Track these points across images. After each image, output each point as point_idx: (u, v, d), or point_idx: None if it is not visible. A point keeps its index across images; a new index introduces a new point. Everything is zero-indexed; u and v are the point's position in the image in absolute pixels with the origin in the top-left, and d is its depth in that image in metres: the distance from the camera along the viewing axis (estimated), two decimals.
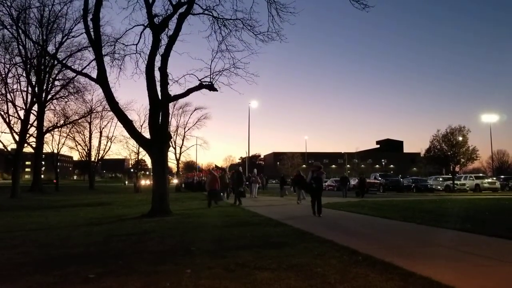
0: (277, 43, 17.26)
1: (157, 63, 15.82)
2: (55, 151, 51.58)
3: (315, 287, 4.93)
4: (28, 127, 36.30)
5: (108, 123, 54.93)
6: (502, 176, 52.03)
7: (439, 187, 40.54)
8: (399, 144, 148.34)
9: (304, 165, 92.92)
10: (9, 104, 35.79)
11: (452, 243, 8.19)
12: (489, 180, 41.71)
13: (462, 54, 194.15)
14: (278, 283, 5.08)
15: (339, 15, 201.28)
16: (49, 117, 43.65)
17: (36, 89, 37.48)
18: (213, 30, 16.98)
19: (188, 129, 60.89)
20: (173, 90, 17.87)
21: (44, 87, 38.45)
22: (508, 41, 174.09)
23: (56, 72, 39.47)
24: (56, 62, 36.46)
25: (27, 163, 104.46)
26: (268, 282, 5.14)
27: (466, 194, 33.41)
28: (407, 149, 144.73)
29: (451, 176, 41.34)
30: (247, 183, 30.13)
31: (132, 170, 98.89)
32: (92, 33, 15.50)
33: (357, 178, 39.72)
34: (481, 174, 50.83)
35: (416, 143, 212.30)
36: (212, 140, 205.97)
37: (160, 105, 15.53)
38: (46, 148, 48.27)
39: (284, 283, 5.11)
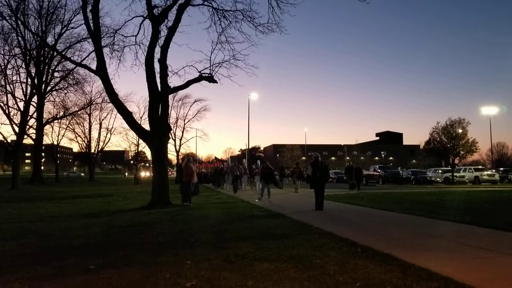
0: (277, 34, 17.18)
1: (157, 54, 15.80)
2: (55, 142, 51.69)
3: (314, 278, 4.94)
4: (28, 118, 36.34)
5: (107, 114, 55.17)
6: (502, 169, 52.10)
7: (438, 179, 40.57)
8: (399, 136, 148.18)
9: (303, 157, 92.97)
10: (9, 95, 35.90)
11: (451, 235, 8.21)
12: (489, 172, 41.84)
13: (462, 47, 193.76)
14: (278, 274, 5.10)
15: (340, 7, 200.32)
16: (49, 108, 43.88)
17: (36, 80, 37.47)
18: (213, 22, 16.92)
19: (188, 121, 61.13)
20: (173, 81, 17.79)
21: (44, 79, 38.45)
22: (508, 34, 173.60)
23: (55, 63, 39.56)
24: (55, 54, 36.46)
25: (27, 154, 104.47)
26: (267, 273, 5.16)
27: (465, 186, 33.46)
28: (406, 141, 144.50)
29: (450, 168, 41.37)
30: (249, 175, 29.76)
31: (132, 161, 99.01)
32: (91, 24, 15.45)
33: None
34: (480, 167, 50.95)
35: (415, 135, 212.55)
36: (212, 132, 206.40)
37: (159, 96, 15.51)
38: (46, 140, 48.51)
39: (283, 274, 5.13)
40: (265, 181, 18.21)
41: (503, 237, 8.00)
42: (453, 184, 37.49)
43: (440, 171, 43.49)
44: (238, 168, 26.45)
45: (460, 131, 40.82)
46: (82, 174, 49.41)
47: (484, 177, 39.44)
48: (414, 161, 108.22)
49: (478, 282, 4.63)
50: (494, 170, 45.41)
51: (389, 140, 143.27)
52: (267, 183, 18.11)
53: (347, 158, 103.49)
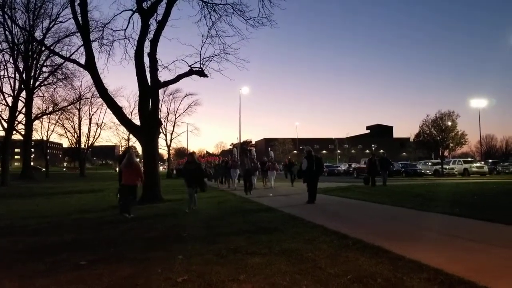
0: (267, 28, 17.21)
1: (146, 48, 15.71)
2: (45, 138, 51.22)
3: (305, 271, 4.97)
4: (17, 114, 36.01)
5: (97, 109, 54.57)
6: (490, 161, 52.62)
7: (428, 171, 40.81)
8: (389, 129, 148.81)
9: (295, 151, 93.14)
10: None
11: (441, 227, 8.29)
12: (478, 164, 42.15)
13: (451, 39, 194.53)
14: (269, 268, 5.13)
15: (330, 0, 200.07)
16: (38, 103, 43.41)
17: (24, 75, 37.06)
18: (203, 15, 16.84)
19: (179, 116, 60.65)
20: (163, 76, 17.71)
21: (32, 74, 38.03)
22: (498, 27, 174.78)
23: (44, 58, 39.07)
24: (43, 48, 35.97)
25: (16, 150, 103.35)
26: (259, 267, 5.18)
27: (455, 179, 33.71)
28: (397, 134, 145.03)
29: (440, 161, 41.69)
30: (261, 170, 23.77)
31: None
32: (79, 18, 15.31)
33: (362, 161, 39.36)
34: (469, 159, 51.31)
35: (405, 128, 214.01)
36: (203, 126, 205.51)
37: (150, 91, 15.43)
38: (36, 135, 48.02)
39: (275, 267, 5.15)
40: (189, 183, 12.39)
41: (492, 228, 8.09)
42: (442, 176, 37.77)
43: (430, 164, 43.78)
44: (250, 161, 20.02)
45: (449, 123, 41.10)
46: (43, 169, 48.60)
47: (473, 169, 39.78)
48: (404, 153, 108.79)
49: (467, 273, 4.68)
50: (483, 162, 45.78)
51: (380, 133, 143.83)
52: (190, 186, 12.33)
53: (338, 151, 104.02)
